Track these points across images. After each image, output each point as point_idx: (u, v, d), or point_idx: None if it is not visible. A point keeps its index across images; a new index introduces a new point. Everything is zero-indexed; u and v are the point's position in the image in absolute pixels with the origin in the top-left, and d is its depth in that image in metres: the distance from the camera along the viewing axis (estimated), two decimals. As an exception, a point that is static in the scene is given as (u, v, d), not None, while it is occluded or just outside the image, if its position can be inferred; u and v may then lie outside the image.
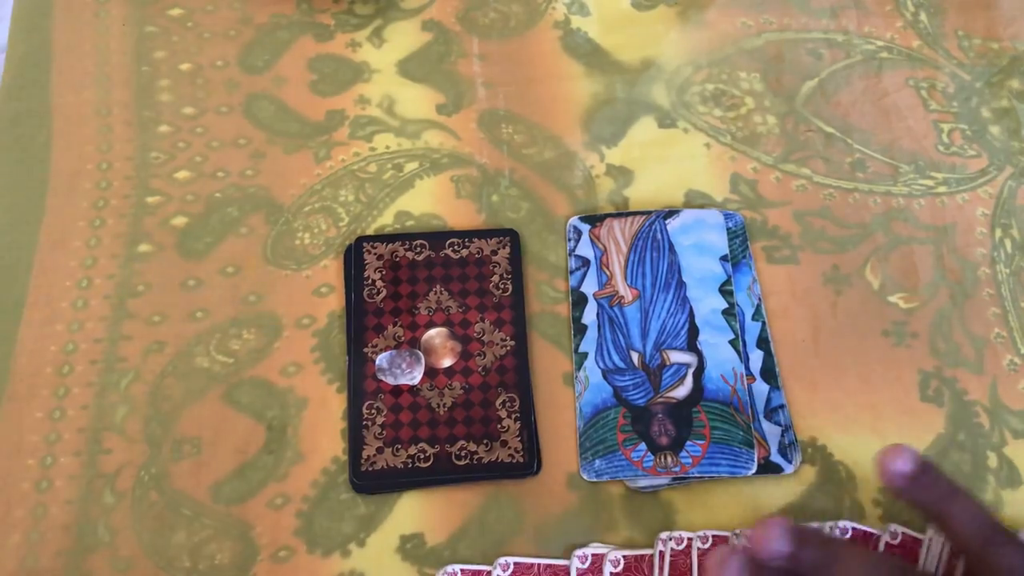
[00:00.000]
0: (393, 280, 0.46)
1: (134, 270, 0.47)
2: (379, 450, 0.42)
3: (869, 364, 0.46)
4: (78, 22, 0.55)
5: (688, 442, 0.42)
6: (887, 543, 0.40)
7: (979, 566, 0.35)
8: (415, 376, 0.44)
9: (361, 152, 0.51)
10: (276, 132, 0.51)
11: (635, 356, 0.44)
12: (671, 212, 0.48)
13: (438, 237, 0.48)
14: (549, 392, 0.45)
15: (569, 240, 0.48)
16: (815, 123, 0.52)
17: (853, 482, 0.43)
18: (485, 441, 0.43)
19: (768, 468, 0.42)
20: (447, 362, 0.45)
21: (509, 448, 0.43)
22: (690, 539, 0.40)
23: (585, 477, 0.43)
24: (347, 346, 0.45)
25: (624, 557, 0.40)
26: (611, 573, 0.39)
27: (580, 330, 0.46)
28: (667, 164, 0.51)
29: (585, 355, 0.45)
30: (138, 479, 0.43)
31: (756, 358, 0.45)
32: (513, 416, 0.43)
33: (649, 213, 0.48)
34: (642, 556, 0.40)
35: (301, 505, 0.42)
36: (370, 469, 0.42)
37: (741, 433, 0.42)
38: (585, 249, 0.48)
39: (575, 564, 0.40)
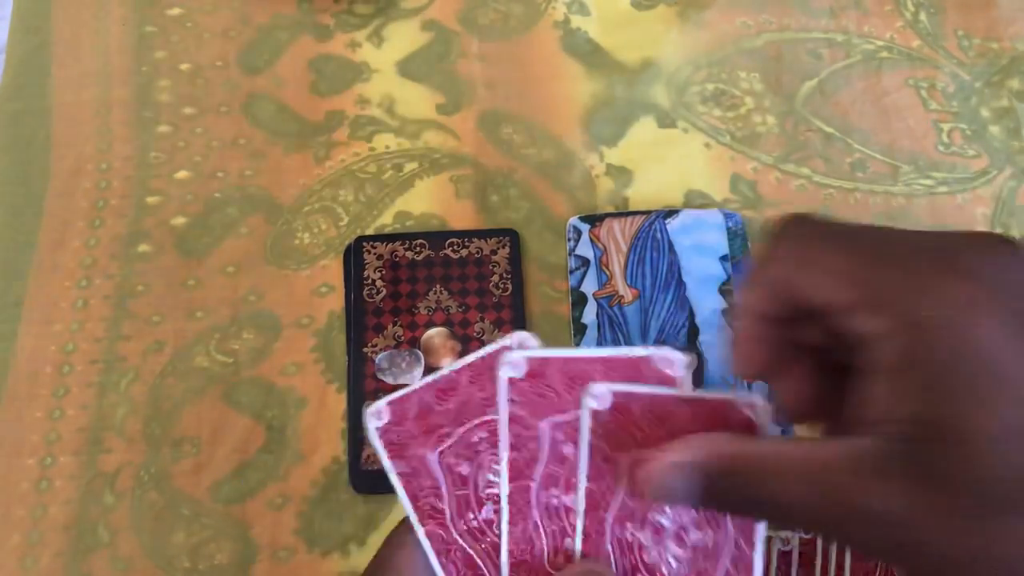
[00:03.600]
0: (393, 280, 0.46)
1: (134, 270, 0.47)
2: (379, 450, 0.42)
3: (869, 364, 0.46)
4: (78, 22, 0.55)
5: (688, 442, 0.42)
6: None
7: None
8: (415, 376, 0.44)
9: (361, 152, 0.51)
10: (276, 132, 0.51)
11: (635, 356, 0.44)
12: (671, 212, 0.48)
13: (438, 237, 0.48)
14: (549, 392, 0.45)
15: (569, 240, 0.48)
16: (815, 123, 0.52)
17: (853, 482, 0.43)
18: (485, 441, 0.43)
19: (768, 468, 0.42)
20: (447, 362, 0.45)
21: (509, 448, 0.43)
22: None
23: (585, 477, 0.43)
24: (347, 346, 0.45)
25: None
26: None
27: (580, 330, 0.46)
28: (667, 164, 0.51)
29: (585, 355, 0.45)
30: (138, 479, 0.43)
31: (756, 358, 0.45)
32: (513, 416, 0.43)
33: (649, 213, 0.48)
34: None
35: (301, 505, 0.42)
36: (370, 469, 0.42)
37: (741, 433, 0.42)
38: (585, 249, 0.48)
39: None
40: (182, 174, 0.50)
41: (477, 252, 0.47)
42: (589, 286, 0.47)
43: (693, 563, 0.30)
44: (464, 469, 0.30)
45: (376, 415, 0.29)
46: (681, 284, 0.46)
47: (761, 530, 0.30)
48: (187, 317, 0.46)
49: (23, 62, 0.53)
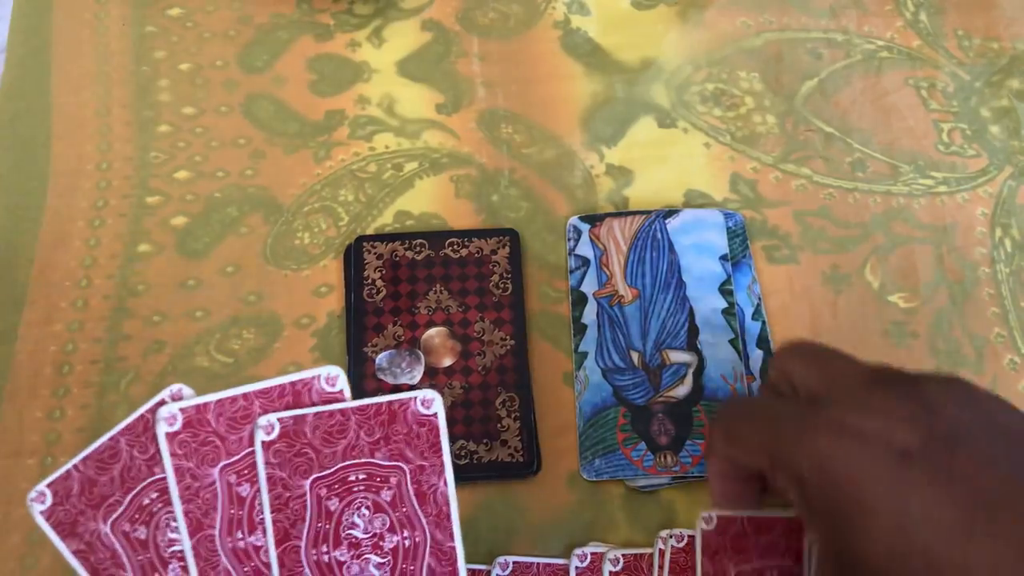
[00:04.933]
0: (393, 280, 0.46)
1: (134, 270, 0.47)
2: (379, 450, 0.42)
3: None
4: (78, 22, 0.55)
5: (688, 441, 0.42)
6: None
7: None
8: (415, 376, 0.44)
9: (361, 152, 0.51)
10: (276, 132, 0.51)
11: (635, 356, 0.44)
12: (671, 212, 0.48)
13: (438, 237, 0.48)
14: (549, 392, 0.45)
15: (569, 240, 0.48)
16: (815, 123, 0.52)
17: (853, 482, 0.43)
18: (485, 441, 0.43)
19: (768, 468, 0.42)
20: (447, 362, 0.45)
21: (509, 448, 0.43)
22: (691, 536, 0.40)
23: (585, 477, 0.43)
24: (347, 346, 0.45)
25: (623, 556, 0.40)
26: (610, 572, 0.39)
27: (580, 330, 0.46)
28: (667, 164, 0.51)
29: (585, 355, 0.45)
30: (138, 479, 0.43)
31: (756, 358, 0.45)
32: (513, 416, 0.43)
33: (649, 213, 0.48)
34: (641, 555, 0.40)
35: (301, 505, 0.42)
36: (370, 469, 0.42)
37: (741, 433, 0.42)
38: (585, 249, 0.48)
39: (574, 563, 0.40)
40: (182, 174, 0.50)
41: (477, 252, 0.47)
42: (589, 286, 0.47)
43: (395, 567, 0.30)
44: (141, 533, 0.30)
45: (38, 499, 0.29)
46: (681, 284, 0.46)
47: (456, 520, 0.31)
48: (187, 317, 0.46)
49: (23, 62, 0.53)
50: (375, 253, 0.47)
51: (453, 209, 0.49)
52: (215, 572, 0.30)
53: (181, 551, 0.30)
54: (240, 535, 0.30)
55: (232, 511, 0.30)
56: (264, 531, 0.30)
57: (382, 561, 0.30)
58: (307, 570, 0.30)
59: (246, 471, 0.30)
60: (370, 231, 0.49)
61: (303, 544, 0.30)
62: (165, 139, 0.51)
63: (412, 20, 0.55)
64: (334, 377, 0.31)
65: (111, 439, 0.30)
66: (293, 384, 0.31)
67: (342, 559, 0.30)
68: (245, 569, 0.30)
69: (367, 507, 0.30)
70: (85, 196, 0.49)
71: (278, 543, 0.30)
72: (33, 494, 0.29)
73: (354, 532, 0.30)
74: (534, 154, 0.51)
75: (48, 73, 0.53)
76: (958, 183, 0.51)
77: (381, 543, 0.30)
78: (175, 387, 0.30)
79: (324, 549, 0.30)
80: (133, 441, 0.30)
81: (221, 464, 0.30)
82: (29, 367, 0.45)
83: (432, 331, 0.45)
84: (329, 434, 0.30)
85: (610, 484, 0.43)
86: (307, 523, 0.30)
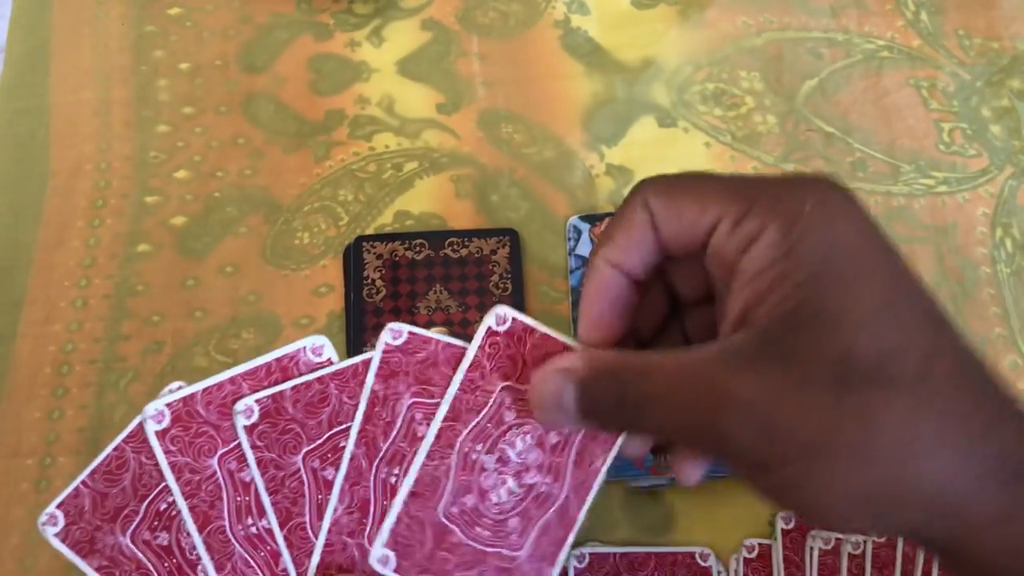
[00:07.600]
0: (393, 280, 0.46)
1: (133, 270, 0.47)
2: (379, 450, 0.42)
3: (869, 364, 0.46)
4: (77, 21, 0.55)
5: (688, 442, 0.42)
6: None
7: None
8: (415, 376, 0.44)
9: (360, 152, 0.51)
10: (275, 132, 0.51)
11: (635, 356, 0.44)
12: (671, 212, 0.48)
13: (438, 236, 0.47)
14: (549, 392, 0.45)
15: (569, 240, 0.48)
16: (815, 122, 0.52)
17: (853, 482, 0.43)
18: (485, 441, 0.43)
19: (768, 468, 0.42)
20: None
21: (509, 448, 0.43)
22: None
23: (585, 477, 0.43)
24: (347, 346, 0.45)
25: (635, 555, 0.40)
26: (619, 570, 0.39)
27: (580, 330, 0.45)
28: (667, 164, 0.51)
29: (585, 355, 0.45)
30: (137, 479, 0.42)
31: (756, 358, 0.45)
32: (513, 416, 0.43)
33: (649, 213, 0.48)
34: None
35: (300, 505, 0.42)
36: (370, 469, 0.42)
37: (741, 433, 0.42)
38: (585, 249, 0.47)
39: (573, 563, 0.40)
40: (181, 173, 0.50)
41: (477, 252, 0.47)
42: (589, 286, 0.46)
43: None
44: (163, 539, 0.30)
45: (49, 522, 0.29)
46: (681, 284, 0.46)
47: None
48: (186, 317, 0.46)
49: (23, 61, 0.53)
50: (375, 253, 0.47)
51: (453, 209, 0.49)
52: (231, 562, 0.30)
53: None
54: (251, 521, 0.30)
55: (238, 498, 0.30)
56: (267, 512, 0.30)
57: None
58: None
59: (245, 456, 0.30)
60: (370, 231, 0.49)
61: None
62: (164, 139, 0.51)
63: (412, 20, 0.55)
64: (319, 347, 0.31)
65: (116, 449, 0.29)
66: (279, 360, 0.30)
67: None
68: (261, 554, 0.30)
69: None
70: (84, 196, 0.49)
71: (281, 524, 0.30)
72: (44, 517, 0.28)
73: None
74: (534, 154, 0.51)
75: (47, 72, 0.53)
76: (959, 183, 0.51)
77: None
78: (174, 384, 0.30)
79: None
80: (139, 447, 0.29)
81: (219, 452, 0.30)
82: (28, 367, 0.45)
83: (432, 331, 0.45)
84: (313, 404, 0.30)
85: (610, 484, 0.43)
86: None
